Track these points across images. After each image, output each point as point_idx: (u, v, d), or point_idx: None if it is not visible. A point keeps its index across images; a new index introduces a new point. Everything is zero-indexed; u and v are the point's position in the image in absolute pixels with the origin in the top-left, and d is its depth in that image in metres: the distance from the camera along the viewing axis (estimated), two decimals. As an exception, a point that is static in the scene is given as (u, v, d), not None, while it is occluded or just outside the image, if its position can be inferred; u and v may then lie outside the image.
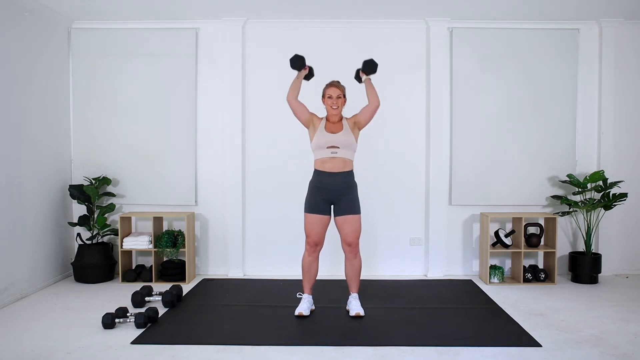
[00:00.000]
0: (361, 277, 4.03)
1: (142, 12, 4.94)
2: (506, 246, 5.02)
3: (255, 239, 5.26)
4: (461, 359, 3.14)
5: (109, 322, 3.61)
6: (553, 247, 4.93)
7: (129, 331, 3.56)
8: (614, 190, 5.06)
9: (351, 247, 3.87)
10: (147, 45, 5.19)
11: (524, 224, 4.92)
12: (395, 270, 5.24)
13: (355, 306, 3.89)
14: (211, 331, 3.61)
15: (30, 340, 3.41)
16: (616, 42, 5.16)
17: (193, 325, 3.73)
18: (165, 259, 5.17)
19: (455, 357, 3.16)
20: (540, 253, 5.23)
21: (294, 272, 4.89)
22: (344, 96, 3.90)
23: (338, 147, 3.81)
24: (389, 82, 5.13)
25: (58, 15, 4.94)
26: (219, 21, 5.13)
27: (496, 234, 5.04)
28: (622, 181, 5.02)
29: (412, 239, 5.27)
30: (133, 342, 3.37)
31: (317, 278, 4.09)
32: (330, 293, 4.41)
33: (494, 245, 5.08)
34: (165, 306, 4.08)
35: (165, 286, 4.74)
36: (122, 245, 4.93)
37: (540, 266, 5.20)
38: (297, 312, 3.88)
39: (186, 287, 4.74)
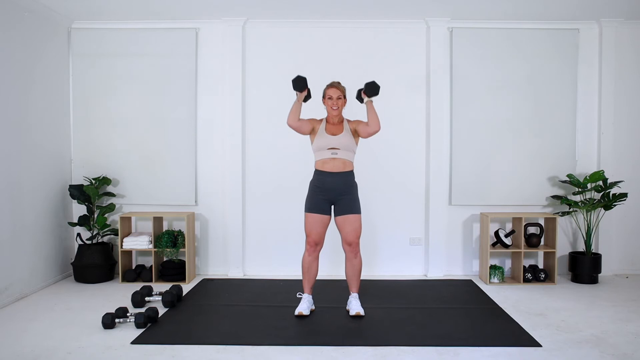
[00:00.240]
0: (361, 277, 4.03)
1: (142, 12, 4.94)
2: (506, 246, 5.02)
3: (255, 238, 5.26)
4: (461, 359, 3.14)
5: (109, 322, 3.61)
6: (553, 247, 4.93)
7: (129, 331, 3.56)
8: (614, 190, 5.06)
9: (351, 247, 3.88)
10: (147, 46, 5.19)
11: (524, 224, 4.92)
12: (395, 270, 5.24)
13: (355, 306, 3.89)
14: (211, 331, 3.61)
15: (30, 340, 3.41)
16: (616, 42, 5.16)
17: (193, 325, 3.73)
18: (165, 259, 5.17)
19: (455, 357, 3.16)
20: (540, 253, 5.23)
21: (294, 272, 4.89)
22: (345, 97, 3.90)
23: (338, 149, 3.82)
24: (389, 82, 5.13)
25: (58, 15, 4.94)
26: (219, 21, 5.13)
27: (496, 234, 5.04)
28: (622, 181, 5.02)
29: (412, 239, 5.27)
30: (133, 342, 3.37)
31: (317, 278, 4.09)
32: (330, 293, 4.41)
33: (494, 245, 5.08)
34: (165, 306, 4.08)
35: (165, 286, 4.74)
36: (122, 245, 4.93)
37: (540, 266, 5.20)
38: (297, 312, 3.88)
39: (186, 287, 4.74)
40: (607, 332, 3.59)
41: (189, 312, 4.00)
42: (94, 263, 4.88)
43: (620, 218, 5.22)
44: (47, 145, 4.85)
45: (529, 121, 5.18)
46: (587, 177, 4.92)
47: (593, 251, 5.12)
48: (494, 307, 4.15)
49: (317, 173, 3.89)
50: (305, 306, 3.91)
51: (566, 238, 5.29)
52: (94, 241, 5.05)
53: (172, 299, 4.10)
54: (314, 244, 3.90)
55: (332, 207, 3.90)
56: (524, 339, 3.44)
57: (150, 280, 4.94)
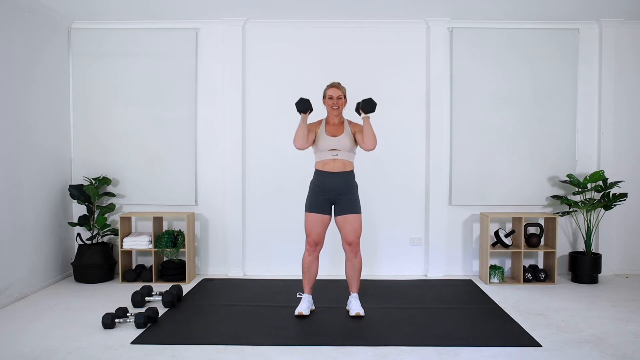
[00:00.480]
0: (361, 277, 4.04)
1: (142, 12, 4.94)
2: (506, 246, 5.02)
3: (255, 238, 5.25)
4: (461, 359, 3.14)
5: (109, 322, 3.61)
6: (553, 247, 4.93)
7: (129, 331, 3.56)
8: (614, 190, 5.06)
9: (352, 247, 3.88)
10: (147, 45, 5.19)
11: (524, 224, 4.92)
12: (395, 270, 5.24)
13: (355, 306, 3.89)
14: (211, 331, 3.61)
15: (30, 340, 3.41)
16: (616, 42, 5.16)
17: (193, 325, 3.73)
18: (165, 259, 5.17)
19: (455, 357, 3.16)
20: (540, 253, 5.23)
21: (294, 272, 4.89)
22: (345, 97, 3.91)
23: (339, 150, 3.83)
24: (389, 82, 5.14)
25: (58, 15, 4.94)
26: (219, 21, 5.13)
27: (496, 234, 5.04)
28: (622, 181, 5.02)
29: (412, 239, 5.27)
30: (133, 342, 3.37)
31: (317, 278, 4.10)
32: (330, 293, 4.41)
33: (494, 245, 5.08)
34: (165, 306, 4.08)
35: (165, 286, 4.74)
36: (122, 245, 4.93)
37: (540, 266, 5.20)
38: (297, 312, 3.88)
39: (186, 287, 4.74)
40: (607, 332, 3.59)
41: (189, 312, 4.00)
42: (94, 263, 4.88)
43: (620, 218, 5.22)
44: (47, 145, 4.85)
45: (529, 121, 5.18)
46: (587, 177, 4.92)
47: (593, 251, 5.12)
48: (494, 307, 4.15)
49: (318, 173, 3.90)
50: (305, 306, 3.91)
51: (566, 238, 5.29)
52: (94, 241, 5.05)
53: (172, 299, 4.10)
54: (314, 244, 3.90)
55: (333, 207, 3.90)
56: (524, 339, 3.44)
57: (150, 280, 4.94)
